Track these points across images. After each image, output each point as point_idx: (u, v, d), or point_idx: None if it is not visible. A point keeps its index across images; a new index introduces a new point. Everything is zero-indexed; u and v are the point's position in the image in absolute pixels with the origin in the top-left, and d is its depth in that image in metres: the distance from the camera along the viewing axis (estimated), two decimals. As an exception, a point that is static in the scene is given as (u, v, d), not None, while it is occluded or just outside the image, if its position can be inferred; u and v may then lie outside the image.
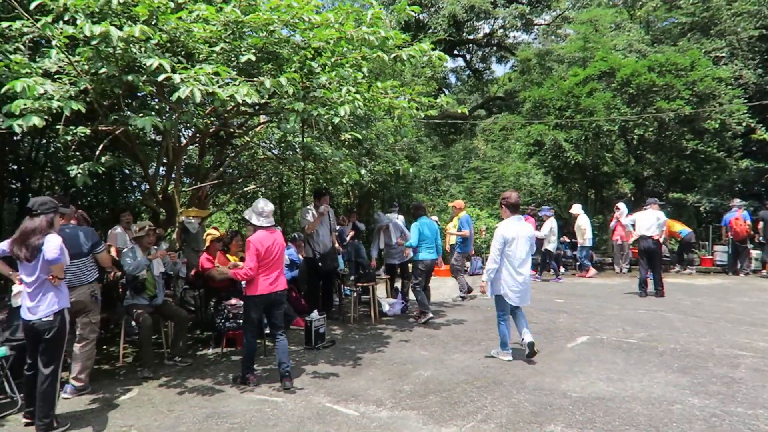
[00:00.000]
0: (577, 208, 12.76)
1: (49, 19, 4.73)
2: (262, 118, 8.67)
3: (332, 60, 5.90)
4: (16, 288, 4.72)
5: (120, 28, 4.62)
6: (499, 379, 5.21)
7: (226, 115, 7.04)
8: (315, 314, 6.67)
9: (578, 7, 22.28)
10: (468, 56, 26.84)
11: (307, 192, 9.93)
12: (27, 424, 4.27)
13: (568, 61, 18.46)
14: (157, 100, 6.44)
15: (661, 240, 9.78)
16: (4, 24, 5.05)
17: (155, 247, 6.17)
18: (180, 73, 4.64)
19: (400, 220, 9.35)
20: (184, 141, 8.17)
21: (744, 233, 12.29)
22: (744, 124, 14.01)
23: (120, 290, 6.75)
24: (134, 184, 11.22)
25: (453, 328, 7.53)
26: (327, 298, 8.38)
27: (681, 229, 12.74)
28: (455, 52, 25.42)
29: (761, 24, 15.71)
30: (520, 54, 21.95)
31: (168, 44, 5.30)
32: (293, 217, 15.39)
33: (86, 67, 4.96)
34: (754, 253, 12.81)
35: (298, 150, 9.53)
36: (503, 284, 5.88)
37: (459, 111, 8.05)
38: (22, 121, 4.38)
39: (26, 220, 4.15)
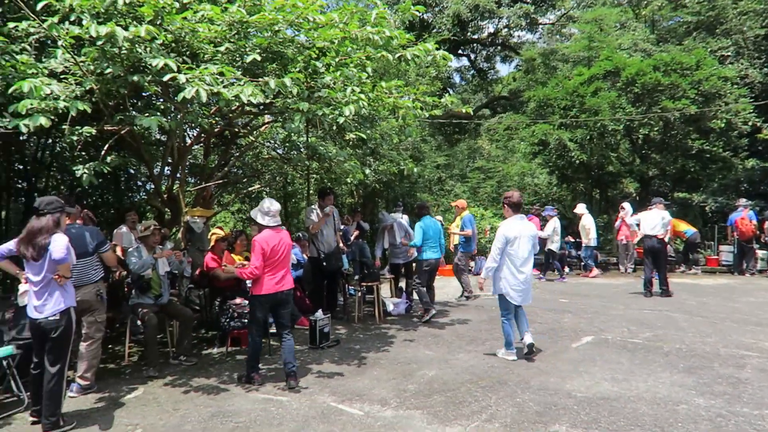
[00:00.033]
0: (581, 208, 12.74)
1: (56, 19, 4.74)
2: (267, 117, 8.68)
3: (337, 60, 5.90)
4: (22, 287, 4.74)
5: (126, 29, 4.64)
6: (503, 378, 5.21)
7: (230, 114, 7.05)
8: (319, 314, 6.68)
9: (583, 6, 22.22)
10: (472, 56, 26.81)
11: (311, 192, 9.93)
12: (34, 423, 4.30)
13: (573, 60, 18.43)
14: (162, 100, 6.46)
15: (666, 239, 9.75)
16: (11, 24, 5.08)
17: (160, 246, 6.19)
18: (185, 73, 4.65)
19: (404, 219, 9.35)
20: (188, 141, 8.19)
21: (750, 233, 12.23)
22: (750, 123, 13.96)
23: (125, 289, 6.78)
24: (139, 183, 11.25)
25: (457, 327, 7.53)
26: (331, 297, 8.39)
27: (686, 228, 12.69)
28: (459, 51, 25.39)
29: (767, 23, 15.64)
30: (525, 53, 21.92)
31: (173, 44, 5.31)
32: (297, 216, 15.39)
33: (92, 67, 4.98)
34: (760, 253, 12.74)
35: (302, 150, 9.55)
36: (505, 283, 5.90)
37: (463, 110, 8.05)
38: (28, 120, 4.40)
39: (33, 219, 4.17)
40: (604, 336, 6.81)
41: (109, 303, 5.67)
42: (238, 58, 5.62)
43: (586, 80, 14.92)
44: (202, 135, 8.06)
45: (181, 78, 4.59)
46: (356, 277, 9.12)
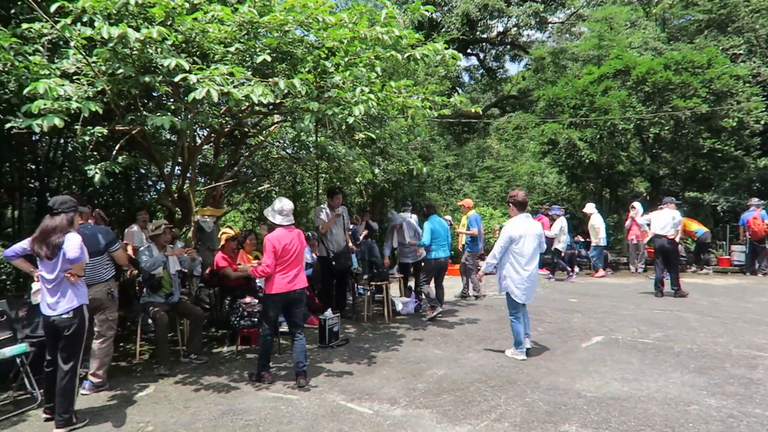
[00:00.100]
0: (590, 207, 12.68)
1: (69, 20, 4.79)
2: (276, 117, 8.71)
3: (346, 60, 5.91)
4: (35, 285, 4.80)
5: (137, 30, 4.67)
6: (513, 378, 5.20)
7: (240, 114, 7.09)
8: (329, 313, 6.71)
9: (593, 4, 22.10)
10: (481, 55, 26.74)
11: (320, 191, 9.96)
12: (47, 420, 4.35)
13: (583, 59, 18.32)
14: (172, 100, 6.51)
15: (677, 239, 9.68)
16: (24, 26, 5.15)
17: (171, 245, 6.24)
18: (196, 74, 4.69)
19: (413, 219, 9.36)
20: (199, 141, 8.23)
21: (762, 233, 12.11)
22: (762, 122, 13.81)
23: (137, 288, 6.83)
24: (150, 183, 11.30)
25: (466, 327, 7.52)
26: (341, 296, 8.42)
27: (697, 228, 12.59)
28: (468, 50, 25.33)
29: (780, 20, 15.50)
30: (534, 52, 21.84)
31: (183, 45, 5.34)
32: (307, 216, 15.43)
33: (103, 67, 5.04)
34: (773, 253, 12.62)
35: (311, 149, 9.57)
36: (509, 282, 5.93)
37: (472, 110, 8.04)
38: (41, 121, 4.45)
39: (47, 218, 4.22)
40: (614, 336, 6.78)
41: (121, 302, 5.72)
42: (248, 59, 5.65)
43: (596, 79, 14.84)
44: (212, 135, 8.10)
45: (192, 78, 4.62)
46: (365, 276, 9.14)
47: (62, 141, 9.00)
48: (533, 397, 4.69)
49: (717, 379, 5.03)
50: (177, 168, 8.66)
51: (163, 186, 8.82)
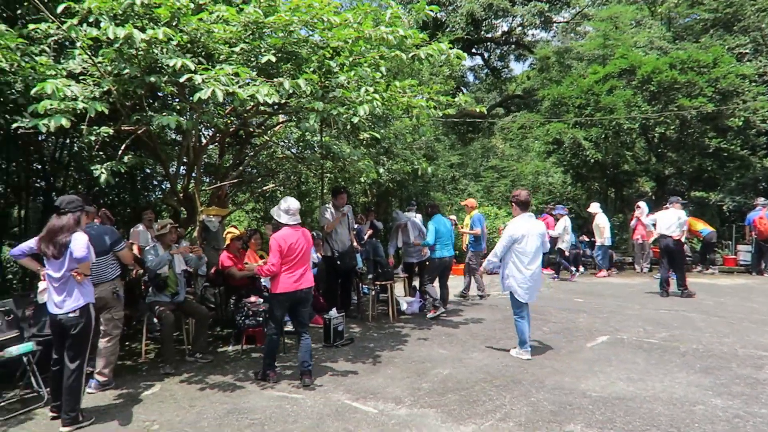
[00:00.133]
0: (595, 207, 12.65)
1: (75, 21, 4.81)
2: (281, 117, 8.72)
3: (351, 59, 5.92)
4: (42, 284, 4.83)
5: (143, 30, 4.69)
6: (518, 378, 5.20)
7: (245, 114, 7.10)
8: (334, 312, 6.72)
9: (598, 4, 22.02)
10: (486, 54, 26.70)
11: (325, 191, 9.97)
12: (53, 418, 4.38)
13: (588, 58, 18.26)
14: (177, 100, 6.53)
15: (682, 239, 9.64)
16: (31, 26, 5.17)
17: (176, 245, 6.26)
18: (201, 74, 4.70)
19: (418, 218, 9.36)
20: (204, 140, 8.26)
21: (768, 232, 12.06)
22: (768, 121, 13.75)
23: (142, 287, 6.86)
24: (155, 183, 11.34)
25: (471, 327, 7.52)
26: (345, 296, 8.42)
27: (702, 228, 12.52)
28: (473, 50, 25.28)
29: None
30: (539, 52, 21.77)
31: (188, 45, 5.36)
32: (311, 215, 15.45)
33: (109, 68, 5.06)
34: (780, 253, 12.55)
35: (316, 149, 9.58)
36: (512, 281, 5.96)
37: (477, 109, 8.02)
38: (48, 121, 4.47)
39: (53, 218, 4.25)
40: (619, 336, 6.76)
41: (127, 301, 5.74)
42: (252, 59, 5.66)
43: (601, 78, 14.79)
44: (218, 135, 8.12)
45: (197, 78, 4.64)
46: (370, 276, 9.15)
47: (68, 141, 9.04)
48: (538, 396, 4.69)
49: (723, 380, 5.02)
50: (182, 168, 8.69)
51: (168, 186, 8.84)
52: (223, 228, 8.60)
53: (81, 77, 5.18)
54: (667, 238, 9.39)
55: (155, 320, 6.23)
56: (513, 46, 25.74)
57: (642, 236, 12.48)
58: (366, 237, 10.02)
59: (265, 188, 11.60)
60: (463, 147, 22.57)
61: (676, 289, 9.47)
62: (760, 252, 12.39)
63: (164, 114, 5.15)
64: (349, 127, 6.81)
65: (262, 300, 6.63)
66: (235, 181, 9.40)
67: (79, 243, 4.13)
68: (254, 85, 4.92)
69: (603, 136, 14.13)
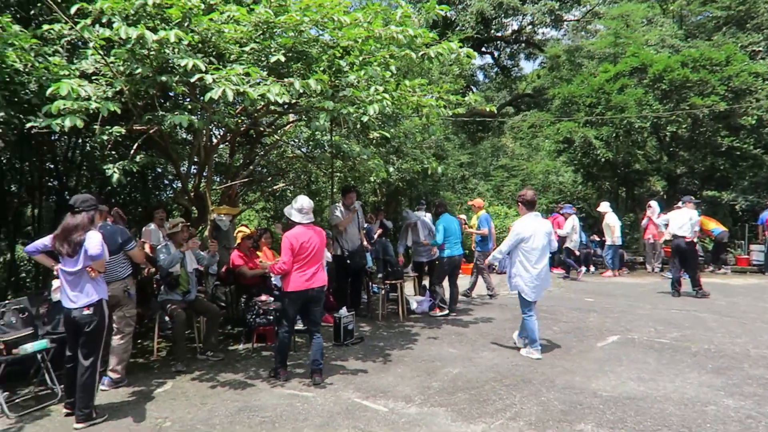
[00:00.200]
0: (604, 206, 12.58)
1: (88, 21, 4.86)
2: (291, 117, 8.75)
3: (360, 59, 5.93)
4: (55, 283, 4.89)
5: (154, 30, 4.73)
6: (528, 377, 5.19)
7: (255, 114, 7.13)
8: (344, 311, 6.74)
9: (609, 2, 21.87)
10: (496, 53, 26.62)
11: (335, 190, 9.99)
12: (67, 414, 4.42)
13: (599, 57, 18.13)
14: (188, 100, 6.57)
15: (695, 240, 9.56)
16: (45, 27, 5.23)
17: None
18: (212, 74, 4.73)
19: (427, 217, 9.36)
20: (215, 140, 8.31)
21: (781, 232, 11.95)
22: (782, 119, 13.60)
23: (154, 286, 6.91)
24: (166, 182, 11.41)
25: (481, 326, 7.51)
26: (355, 295, 8.44)
27: (714, 227, 12.41)
28: (483, 49, 25.21)
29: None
30: (549, 50, 21.67)
31: (199, 45, 5.39)
32: (321, 214, 15.50)
33: (122, 68, 5.10)
34: (793, 253, 12.43)
35: (326, 148, 9.60)
36: (519, 280, 5.99)
37: (487, 108, 8.01)
38: (61, 120, 4.52)
39: (68, 216, 4.29)
40: (630, 336, 6.73)
41: (138, 299, 5.79)
42: (263, 58, 5.69)
43: (612, 77, 14.69)
44: (228, 134, 8.17)
45: (208, 78, 4.67)
46: (380, 275, 9.16)
47: (81, 140, 9.12)
48: (548, 396, 4.68)
49: (735, 380, 4.98)
50: (193, 167, 8.74)
51: (179, 185, 8.90)
52: (233, 227, 8.65)
53: (93, 77, 5.23)
54: (679, 238, 9.32)
55: (167, 318, 6.28)
56: (523, 44, 25.63)
57: (653, 236, 12.40)
58: (376, 236, 10.03)
59: (275, 187, 11.65)
60: (472, 146, 22.51)
61: (690, 289, 9.39)
62: (773, 251, 12.27)
63: (176, 113, 5.19)
64: (359, 126, 6.82)
65: (272, 299, 6.66)
66: (246, 180, 9.45)
67: (94, 241, 4.17)
68: (265, 84, 4.94)
69: (614, 135, 14.04)
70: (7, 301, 5.22)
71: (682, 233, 9.29)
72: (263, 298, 6.67)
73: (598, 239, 13.99)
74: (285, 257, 5.13)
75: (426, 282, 9.46)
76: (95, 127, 5.22)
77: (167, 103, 7.07)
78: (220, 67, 4.97)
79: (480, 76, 27.91)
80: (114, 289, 5.09)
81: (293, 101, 5.85)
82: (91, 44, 5.05)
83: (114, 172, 5.50)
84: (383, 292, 8.59)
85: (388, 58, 6.07)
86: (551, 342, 6.47)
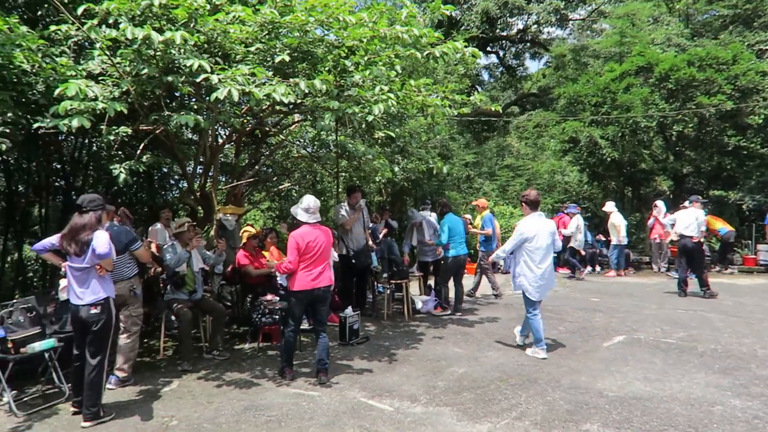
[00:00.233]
0: (609, 206, 12.53)
1: (95, 22, 4.89)
2: (297, 116, 8.77)
3: (366, 58, 5.94)
4: (63, 282, 4.91)
5: (160, 31, 4.75)
6: (533, 377, 5.19)
7: (261, 114, 7.15)
8: (349, 310, 6.75)
9: (614, 1, 21.85)
10: (501, 53, 26.60)
11: (340, 190, 10.01)
12: (75, 413, 4.45)
13: (604, 56, 18.12)
14: (194, 100, 6.59)
15: (701, 240, 9.51)
16: (53, 27, 5.26)
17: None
18: (218, 74, 4.75)
19: (432, 217, 9.36)
20: (220, 140, 8.33)
21: (788, 232, 11.88)
22: (789, 119, 13.53)
23: (161, 285, 6.94)
24: (172, 182, 11.45)
25: (486, 326, 7.50)
26: (360, 294, 8.45)
27: (720, 227, 12.35)
28: (488, 48, 25.21)
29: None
30: (555, 50, 21.66)
31: (205, 45, 5.42)
32: (326, 214, 15.54)
33: (128, 68, 5.13)
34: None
35: (332, 148, 9.62)
36: (523, 279, 6.02)
37: (492, 108, 8.01)
38: (68, 121, 4.54)
39: (75, 216, 4.31)
40: (636, 335, 6.71)
41: (145, 298, 5.81)
42: (268, 58, 5.70)
43: (617, 76, 14.66)
44: (234, 134, 8.19)
45: (214, 78, 4.69)
46: (385, 274, 9.16)
47: (87, 141, 9.17)
48: (554, 395, 4.67)
49: (742, 380, 4.96)
50: (199, 167, 8.78)
51: (185, 184, 8.94)
52: (239, 226, 8.67)
53: (100, 78, 5.25)
54: (686, 238, 9.27)
55: (173, 318, 6.30)
56: (528, 44, 25.61)
57: (659, 235, 12.35)
58: (381, 236, 10.04)
59: (280, 187, 11.68)
60: (478, 146, 22.51)
61: (698, 289, 9.35)
62: (780, 251, 12.21)
63: (182, 113, 5.21)
64: (364, 125, 6.83)
65: (278, 298, 6.68)
66: (251, 180, 9.47)
67: (101, 240, 4.20)
68: (270, 84, 4.95)
69: (620, 134, 14.01)
70: (14, 301, 5.27)
71: (688, 233, 9.25)
72: (268, 297, 6.69)
73: (603, 239, 13.95)
74: (291, 256, 5.14)
75: (431, 281, 9.47)
76: (102, 127, 5.25)
77: (173, 104, 7.11)
78: (226, 67, 4.99)
79: (485, 76, 27.96)
80: (120, 289, 5.12)
81: (298, 101, 5.86)
82: (97, 45, 5.07)
83: (120, 172, 5.53)
84: (388, 291, 8.60)
85: (393, 57, 6.08)
86: (557, 342, 6.46)
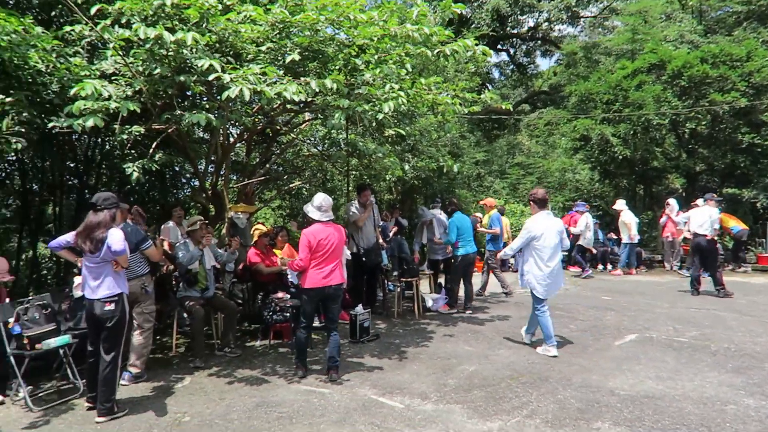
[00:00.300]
0: (620, 204, 12.44)
1: (108, 22, 4.93)
2: (307, 115, 8.80)
3: (376, 57, 5.95)
4: (77, 279, 4.97)
5: (172, 31, 4.79)
6: (544, 375, 5.18)
7: (272, 113, 7.19)
8: (359, 308, 6.77)
9: (626, -3, 21.69)
10: (512, 50, 26.50)
11: (351, 188, 10.03)
12: (89, 408, 4.51)
13: (616, 53, 17.98)
14: (206, 99, 6.64)
15: (715, 238, 9.41)
16: (67, 28, 5.32)
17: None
18: (229, 73, 4.78)
19: (443, 215, 9.36)
20: (232, 139, 8.38)
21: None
22: (804, 115, 13.37)
23: (173, 283, 7.00)
24: (184, 180, 11.53)
25: (497, 324, 7.49)
26: (371, 292, 8.47)
27: (733, 225, 12.21)
28: (499, 46, 25.12)
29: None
30: (566, 47, 21.51)
31: (217, 45, 5.45)
32: (336, 212, 15.58)
33: (141, 68, 5.17)
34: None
35: (342, 146, 9.64)
36: (531, 277, 6.05)
37: (503, 106, 7.99)
38: (82, 120, 4.60)
39: (90, 214, 4.37)
40: (648, 334, 6.67)
41: (157, 296, 5.87)
42: (279, 57, 5.73)
43: (629, 74, 14.55)
44: (245, 133, 8.23)
45: (225, 77, 4.72)
46: (395, 272, 9.18)
47: (101, 140, 9.26)
48: (565, 394, 4.66)
49: (756, 379, 4.92)
50: (210, 165, 8.83)
51: (197, 183, 9.00)
52: (250, 225, 8.72)
53: (113, 77, 5.31)
54: (700, 236, 9.19)
55: (185, 315, 6.36)
56: (539, 41, 25.49)
57: (672, 234, 12.26)
58: (391, 234, 10.05)
59: (291, 185, 11.72)
60: (488, 144, 22.44)
61: (712, 288, 9.26)
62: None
63: (194, 112, 5.24)
64: (374, 124, 6.84)
65: (289, 296, 6.71)
66: (262, 178, 9.52)
67: (116, 237, 4.25)
68: (281, 83, 4.97)
69: (631, 132, 13.91)
70: (30, 298, 5.34)
71: (702, 231, 9.16)
72: (279, 295, 6.73)
73: (615, 237, 13.87)
74: (302, 254, 5.17)
75: (441, 280, 9.47)
76: (115, 126, 5.30)
77: (185, 103, 7.16)
78: (237, 66, 5.01)
79: (496, 74, 27.88)
80: (132, 286, 5.16)
81: (309, 100, 5.88)
82: (110, 45, 5.12)
83: (133, 170, 5.58)
84: (399, 289, 8.61)
85: (404, 56, 6.08)
86: (568, 340, 6.44)
